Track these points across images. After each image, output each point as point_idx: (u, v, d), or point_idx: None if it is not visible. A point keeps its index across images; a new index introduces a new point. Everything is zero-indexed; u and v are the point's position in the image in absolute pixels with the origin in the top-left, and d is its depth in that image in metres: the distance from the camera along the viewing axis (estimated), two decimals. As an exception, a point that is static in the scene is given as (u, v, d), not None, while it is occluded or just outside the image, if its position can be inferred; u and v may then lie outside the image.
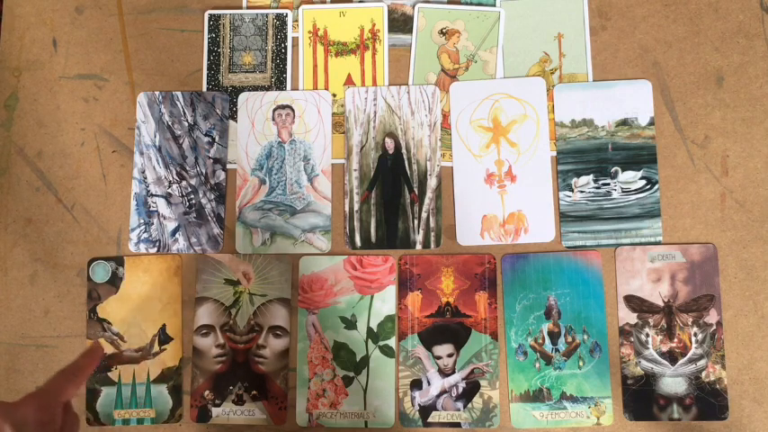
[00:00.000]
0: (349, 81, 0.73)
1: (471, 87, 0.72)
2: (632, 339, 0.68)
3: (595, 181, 0.71)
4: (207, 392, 0.69)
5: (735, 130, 0.71)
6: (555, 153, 0.71)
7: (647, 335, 0.68)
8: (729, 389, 0.67)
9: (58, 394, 0.53)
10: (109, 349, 0.69)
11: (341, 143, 0.72)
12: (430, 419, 0.68)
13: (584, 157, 0.71)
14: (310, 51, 0.74)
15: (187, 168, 0.72)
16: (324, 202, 0.71)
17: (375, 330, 0.69)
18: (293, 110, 0.73)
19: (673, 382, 0.67)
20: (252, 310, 0.70)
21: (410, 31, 0.74)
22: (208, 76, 0.74)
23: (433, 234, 0.71)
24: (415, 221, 0.71)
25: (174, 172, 0.72)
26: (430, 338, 0.69)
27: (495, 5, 0.74)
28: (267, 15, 0.75)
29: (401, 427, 0.68)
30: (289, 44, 0.74)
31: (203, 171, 0.72)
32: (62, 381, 0.54)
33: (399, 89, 0.73)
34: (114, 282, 0.70)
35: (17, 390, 0.70)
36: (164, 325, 0.70)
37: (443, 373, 0.68)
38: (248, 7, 0.75)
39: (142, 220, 0.71)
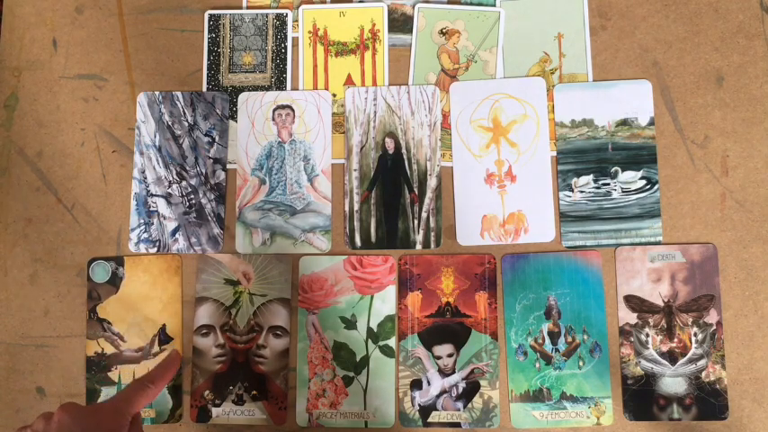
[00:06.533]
0: (349, 81, 0.73)
1: (471, 87, 0.72)
2: (632, 339, 0.68)
3: (595, 181, 0.71)
4: (207, 392, 0.69)
5: (735, 130, 0.71)
6: (555, 153, 0.71)
7: (647, 335, 0.68)
8: (729, 389, 0.67)
9: (130, 405, 0.53)
10: (109, 349, 0.69)
11: (341, 143, 0.72)
12: (430, 419, 0.68)
13: (585, 157, 0.71)
14: (310, 51, 0.74)
15: (187, 168, 0.72)
16: (324, 202, 0.71)
17: (375, 330, 0.69)
18: (293, 110, 0.73)
19: (673, 382, 0.67)
20: (252, 310, 0.70)
21: (410, 31, 0.74)
22: (208, 76, 0.74)
23: (433, 234, 0.71)
24: (415, 221, 0.71)
25: (174, 172, 0.72)
26: (430, 338, 0.69)
27: (495, 5, 0.74)
28: (267, 15, 0.75)
29: (401, 427, 0.68)
30: (289, 44, 0.74)
31: (203, 171, 0.72)
32: (135, 391, 0.54)
33: (399, 89, 0.73)
34: (114, 282, 0.70)
35: (17, 390, 0.70)
36: (164, 325, 0.70)
37: (443, 373, 0.68)
38: (248, 7, 0.75)
39: (142, 220, 0.71)
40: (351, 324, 0.69)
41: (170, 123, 0.73)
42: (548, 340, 0.68)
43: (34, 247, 0.72)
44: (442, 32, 0.73)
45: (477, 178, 0.71)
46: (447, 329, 0.69)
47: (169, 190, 0.72)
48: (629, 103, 0.71)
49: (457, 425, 0.67)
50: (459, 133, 0.72)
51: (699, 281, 0.68)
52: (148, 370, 0.69)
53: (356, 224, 0.71)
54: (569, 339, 0.68)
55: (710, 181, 0.70)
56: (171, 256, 0.71)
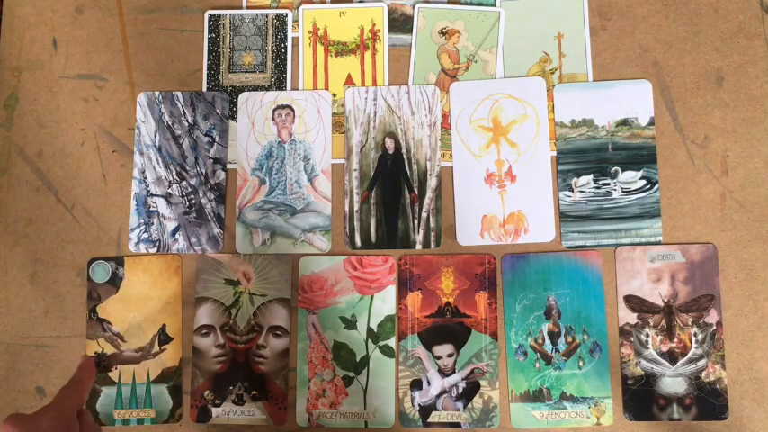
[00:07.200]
0: (349, 81, 0.73)
1: (471, 87, 0.72)
2: (632, 339, 0.68)
3: (595, 181, 0.71)
4: (207, 392, 0.69)
5: (735, 130, 0.71)
6: (555, 153, 0.71)
7: (647, 335, 0.68)
8: (729, 389, 0.67)
9: (68, 404, 0.53)
10: (109, 349, 0.69)
11: (341, 143, 0.72)
12: (430, 419, 0.68)
13: (584, 157, 0.71)
14: (310, 51, 0.74)
15: (187, 168, 0.72)
16: (324, 202, 0.71)
17: (375, 330, 0.69)
18: (293, 110, 0.73)
19: (673, 382, 0.67)
20: (252, 310, 0.70)
21: (410, 31, 0.74)
22: (208, 76, 0.74)
23: (433, 234, 0.71)
24: (415, 221, 0.71)
25: (174, 172, 0.72)
26: (430, 338, 0.69)
27: (495, 5, 0.74)
28: (267, 15, 0.75)
29: (401, 427, 0.68)
30: (289, 44, 0.74)
31: (203, 171, 0.72)
32: (67, 393, 0.55)
33: (399, 89, 0.73)
34: (114, 282, 0.70)
35: (17, 390, 0.70)
36: (164, 325, 0.70)
37: (443, 373, 0.68)
38: (248, 7, 0.75)
39: (142, 220, 0.71)
40: (351, 324, 0.69)
41: (170, 123, 0.73)
42: (548, 340, 0.68)
43: (34, 247, 0.72)
44: (442, 32, 0.73)
45: (477, 178, 0.71)
46: (447, 329, 0.69)
47: (169, 190, 0.72)
48: (629, 103, 0.71)
49: (457, 425, 0.67)
50: (459, 133, 0.72)
51: (699, 281, 0.68)
52: (148, 370, 0.69)
53: (356, 224, 0.71)
54: (569, 339, 0.68)
55: (710, 181, 0.70)
56: (171, 256, 0.71)
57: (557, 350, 0.68)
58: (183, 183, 0.72)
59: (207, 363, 0.69)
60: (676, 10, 0.73)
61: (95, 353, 0.69)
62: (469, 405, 0.68)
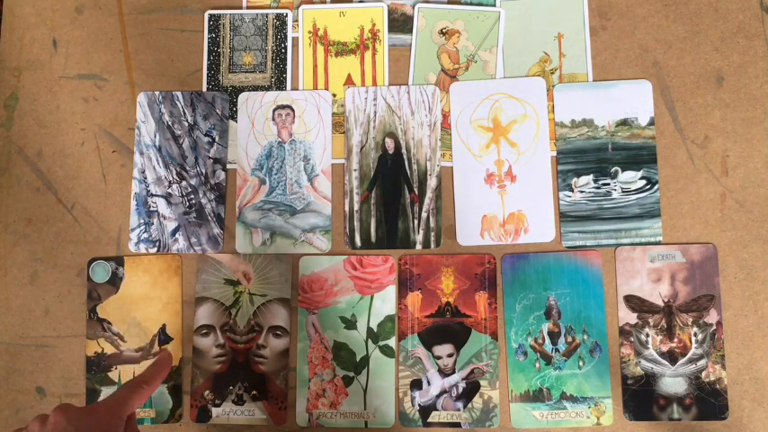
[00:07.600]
0: (349, 81, 0.73)
1: (471, 87, 0.72)
2: (632, 339, 0.68)
3: (595, 181, 0.71)
4: (207, 392, 0.69)
5: (735, 130, 0.71)
6: (555, 153, 0.71)
7: (647, 335, 0.68)
8: (729, 389, 0.67)
9: (125, 405, 0.53)
10: (109, 349, 0.69)
11: (341, 143, 0.72)
12: (430, 419, 0.68)
13: (584, 157, 0.71)
14: (310, 51, 0.74)
15: (187, 168, 0.72)
16: (324, 202, 0.72)
17: (375, 330, 0.69)
18: (293, 110, 0.73)
19: (673, 382, 0.67)
20: (252, 310, 0.70)
21: (410, 31, 0.74)
22: (208, 76, 0.74)
23: (433, 234, 0.71)
24: (415, 221, 0.71)
25: (174, 172, 0.72)
26: (430, 338, 0.69)
27: (495, 5, 0.74)
28: (267, 15, 0.75)
29: (401, 427, 0.68)
30: (289, 44, 0.74)
31: (203, 171, 0.72)
32: (130, 391, 0.55)
33: (399, 89, 0.73)
34: (114, 282, 0.70)
35: (17, 390, 0.70)
36: (164, 325, 0.70)
37: (443, 373, 0.68)
38: (248, 7, 0.75)
39: (142, 220, 0.71)
40: (351, 324, 0.69)
41: (170, 123, 0.73)
42: (548, 340, 0.68)
43: (34, 247, 0.72)
44: (442, 32, 0.73)
45: (477, 178, 0.71)
46: (447, 329, 0.69)
47: (169, 190, 0.72)
48: (629, 103, 0.71)
49: (457, 425, 0.67)
50: (459, 133, 0.72)
51: (699, 281, 0.68)
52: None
53: (356, 224, 0.71)
54: (569, 339, 0.68)
55: (710, 181, 0.70)
56: (171, 256, 0.71)
57: (557, 350, 0.68)
58: (183, 183, 0.72)
59: (207, 363, 0.69)
60: (676, 10, 0.73)
61: (95, 353, 0.69)
62: (469, 405, 0.68)
